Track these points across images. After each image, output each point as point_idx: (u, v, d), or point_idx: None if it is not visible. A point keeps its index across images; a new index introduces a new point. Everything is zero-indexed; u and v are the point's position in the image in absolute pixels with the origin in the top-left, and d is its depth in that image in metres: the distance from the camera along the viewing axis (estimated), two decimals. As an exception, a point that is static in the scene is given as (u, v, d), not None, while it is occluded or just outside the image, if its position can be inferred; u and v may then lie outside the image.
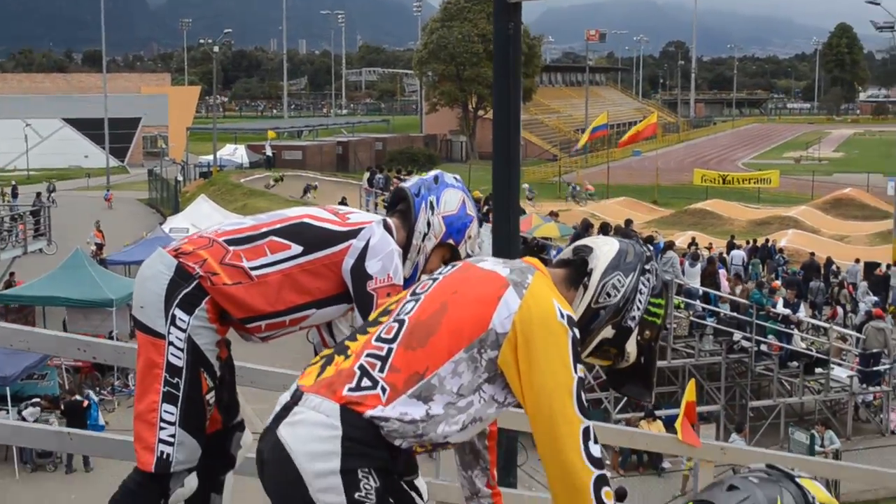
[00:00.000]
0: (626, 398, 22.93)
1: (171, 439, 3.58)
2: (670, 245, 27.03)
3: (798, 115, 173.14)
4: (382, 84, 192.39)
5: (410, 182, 4.08)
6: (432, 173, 4.11)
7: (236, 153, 75.50)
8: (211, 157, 69.75)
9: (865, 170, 70.59)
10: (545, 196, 62.34)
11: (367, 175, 40.52)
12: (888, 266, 37.61)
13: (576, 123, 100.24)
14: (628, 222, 29.69)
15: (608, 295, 3.05)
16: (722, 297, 26.03)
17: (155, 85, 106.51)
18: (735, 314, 25.12)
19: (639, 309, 3.08)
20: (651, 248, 20.66)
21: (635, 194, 63.99)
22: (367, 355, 2.94)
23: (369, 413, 2.85)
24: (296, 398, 2.92)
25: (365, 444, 2.85)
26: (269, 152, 70.26)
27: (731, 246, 40.69)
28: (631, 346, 3.11)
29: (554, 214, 33.55)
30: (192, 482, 3.70)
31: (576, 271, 3.11)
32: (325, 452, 2.82)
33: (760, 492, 1.77)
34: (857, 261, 38.60)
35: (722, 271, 28.94)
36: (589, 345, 3.08)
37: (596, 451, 2.84)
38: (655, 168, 69.38)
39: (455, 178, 4.11)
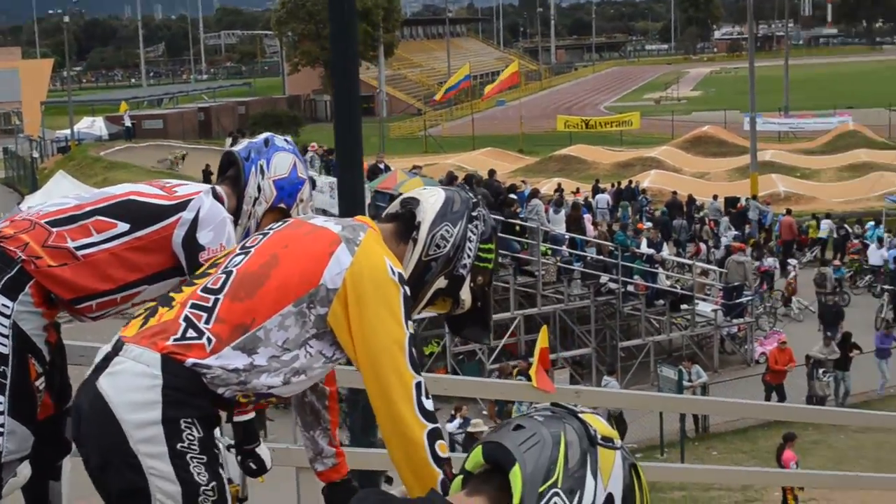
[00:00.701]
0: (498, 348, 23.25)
1: (1, 429, 3.50)
2: (535, 192, 27.30)
3: (656, 57, 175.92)
4: (242, 47, 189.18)
5: (240, 146, 4.03)
6: (262, 136, 4.06)
7: (94, 125, 73.52)
8: (68, 132, 67.87)
9: (723, 107, 72.19)
10: (412, 150, 62.28)
11: (229, 141, 39.96)
12: (747, 200, 38.66)
13: (438, 76, 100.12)
14: (492, 172, 29.88)
15: (438, 246, 3.07)
16: (588, 241, 26.44)
17: (4, 59, 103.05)
18: (601, 257, 25.54)
19: (469, 256, 3.10)
20: (515, 196, 20.78)
21: (501, 144, 64.31)
22: (193, 306, 2.91)
23: (191, 361, 2.82)
24: (116, 348, 2.87)
25: (187, 392, 2.81)
26: (128, 123, 68.69)
27: (595, 190, 41.31)
28: (465, 294, 3.13)
29: (417, 168, 33.58)
30: (25, 471, 3.63)
31: (404, 225, 3.12)
32: (146, 402, 2.77)
33: (545, 429, 1.83)
34: (716, 197, 39.54)
35: (587, 216, 29.37)
36: (423, 298, 3.10)
37: (429, 405, 2.86)
38: (519, 117, 69.85)
39: (286, 140, 4.07)
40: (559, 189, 38.78)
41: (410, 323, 2.91)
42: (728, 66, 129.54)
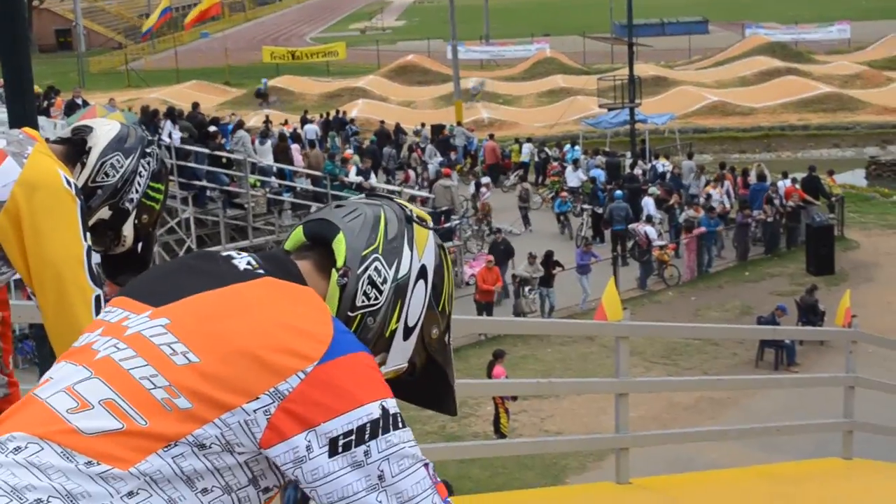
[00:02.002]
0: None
1: None
2: (240, 124, 26.88)
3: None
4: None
5: None
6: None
7: None
8: None
9: (427, 36, 73.13)
10: (115, 85, 59.91)
11: None
12: (452, 127, 39.40)
13: (138, 9, 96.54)
14: (195, 105, 29.11)
15: (106, 174, 3.01)
16: (297, 171, 26.27)
17: None
18: (311, 187, 25.45)
19: (137, 192, 3.06)
20: (218, 128, 20.26)
21: (206, 77, 62.89)
22: None
23: None
24: None
25: None
26: None
27: (304, 121, 41.06)
28: (128, 230, 3.09)
29: (113, 102, 32.33)
30: None
31: (74, 149, 3.03)
32: None
33: (366, 207, 1.97)
34: (423, 125, 40.13)
35: (295, 146, 29.15)
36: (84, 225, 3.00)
37: None
38: (224, 49, 68.45)
39: None
40: (267, 120, 38.38)
41: (88, 234, 2.84)
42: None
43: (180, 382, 1.69)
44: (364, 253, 1.90)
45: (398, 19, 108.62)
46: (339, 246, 1.90)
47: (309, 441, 1.68)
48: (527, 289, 23.83)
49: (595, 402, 17.28)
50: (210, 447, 1.68)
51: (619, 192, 28.56)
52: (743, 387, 14.91)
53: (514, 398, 16.93)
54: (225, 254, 1.92)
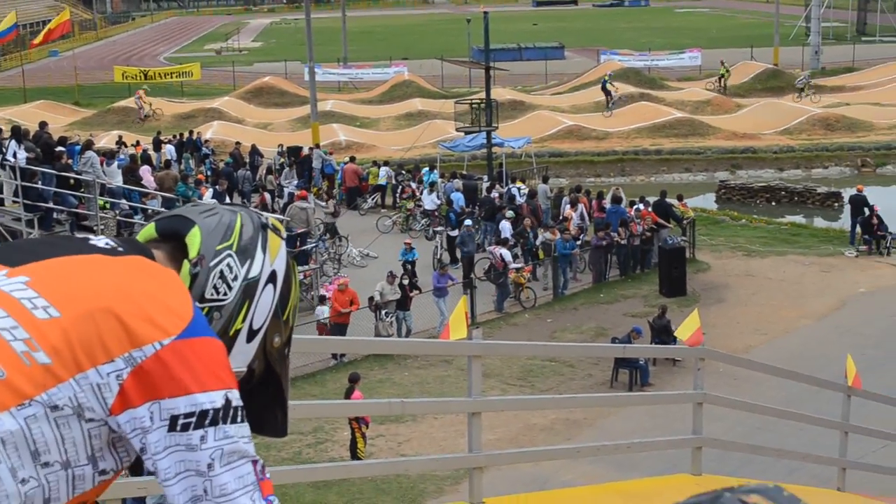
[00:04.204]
0: None
1: None
2: (89, 145, 26.12)
3: (217, 7, 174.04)
4: None
5: None
6: None
7: None
8: None
9: (283, 58, 72.64)
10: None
11: None
12: (310, 149, 39.04)
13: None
14: (42, 125, 28.16)
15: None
16: (147, 192, 25.69)
17: None
18: (164, 209, 24.89)
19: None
20: (65, 148, 19.57)
21: (55, 96, 61.29)
22: None
23: None
24: None
25: None
26: None
27: (156, 142, 40.33)
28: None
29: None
30: None
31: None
32: None
33: (224, 210, 2.00)
34: (280, 147, 39.74)
35: (146, 167, 28.54)
36: None
37: None
38: (74, 68, 66.86)
39: None
40: (120, 141, 37.53)
41: None
42: (288, 17, 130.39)
43: (40, 336, 1.67)
44: (218, 248, 1.92)
45: (255, 40, 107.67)
46: (194, 239, 1.91)
47: (151, 412, 1.69)
48: (384, 312, 23.68)
49: (452, 425, 17.20)
50: (62, 409, 1.65)
51: (468, 220, 28.77)
52: (596, 405, 15.07)
53: (367, 424, 16.76)
54: (81, 235, 1.90)
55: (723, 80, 61.11)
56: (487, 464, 8.17)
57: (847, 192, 34.69)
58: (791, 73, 65.64)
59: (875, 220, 30.13)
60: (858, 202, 31.21)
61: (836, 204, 38.06)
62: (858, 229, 30.83)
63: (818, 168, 44.98)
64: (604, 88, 53.16)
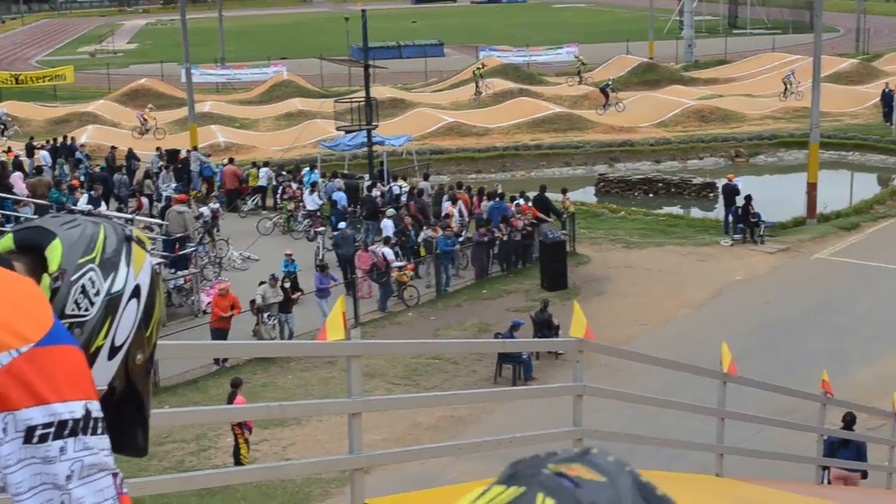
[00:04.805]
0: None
1: None
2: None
3: (89, 9, 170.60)
4: None
5: None
6: None
7: None
8: None
9: (159, 59, 71.46)
10: None
11: None
12: (188, 151, 38.54)
13: None
14: None
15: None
16: (19, 200, 25.06)
17: None
18: (35, 216, 24.27)
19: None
20: None
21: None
22: None
23: None
24: None
25: None
26: None
27: (29, 148, 39.39)
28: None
29: None
30: None
31: None
32: None
33: (87, 221, 1.90)
34: (158, 149, 39.11)
35: (17, 174, 27.81)
36: None
37: None
38: (-59, 73, 64.93)
39: None
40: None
41: None
42: (164, 17, 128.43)
43: None
44: (80, 261, 1.84)
45: (130, 42, 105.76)
46: (54, 252, 1.83)
47: (6, 423, 1.61)
48: (266, 315, 23.45)
49: (337, 427, 17.09)
50: None
51: (342, 223, 28.70)
52: (479, 401, 15.17)
53: (250, 429, 16.58)
54: None
55: (580, 74, 62.01)
56: (368, 464, 8.12)
57: (721, 182, 35.44)
58: (666, 66, 66.88)
59: (750, 209, 30.82)
60: (730, 191, 31.92)
61: (712, 194, 38.85)
62: (731, 218, 31.54)
63: (694, 159, 45.85)
64: (603, 91, 53.72)
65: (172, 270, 25.59)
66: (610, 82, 54.68)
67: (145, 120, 49.26)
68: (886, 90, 48.15)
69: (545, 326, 21.86)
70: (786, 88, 53.71)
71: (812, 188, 33.34)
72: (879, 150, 44.72)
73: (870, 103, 51.49)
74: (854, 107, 51.80)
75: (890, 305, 25.12)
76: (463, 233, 29.11)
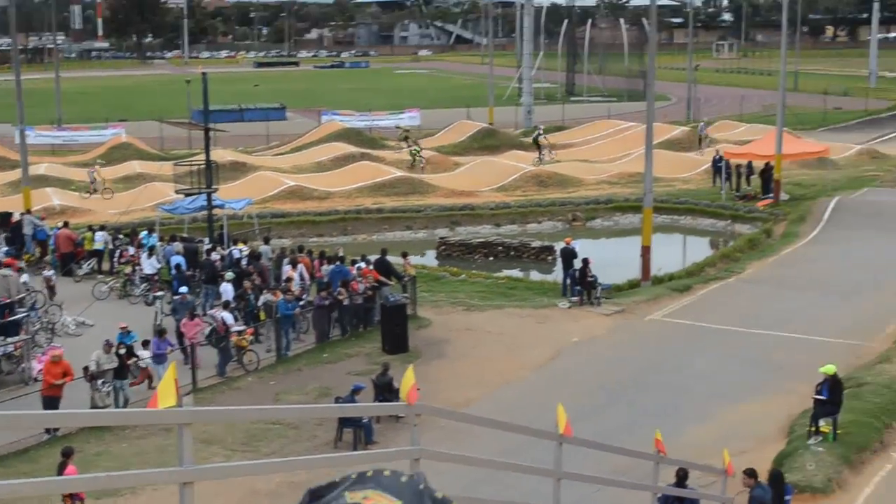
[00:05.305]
0: None
1: None
2: None
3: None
4: None
5: None
6: None
7: None
8: None
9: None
10: None
11: None
12: (21, 214, 37.39)
13: None
14: None
15: None
16: None
17: None
18: None
19: None
20: None
21: None
22: None
23: None
24: None
25: None
26: None
27: None
28: None
29: None
30: None
31: None
32: None
33: None
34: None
35: None
36: None
37: None
38: None
39: None
40: None
41: None
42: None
43: None
44: None
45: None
46: None
47: None
48: (100, 382, 22.81)
49: (174, 495, 16.66)
50: None
51: (184, 287, 28.21)
52: (316, 466, 14.93)
53: (82, 499, 16.07)
54: None
55: (407, 140, 62.65)
56: (199, 534, 7.93)
57: (559, 246, 36.13)
58: (505, 132, 68.25)
59: (588, 272, 31.45)
60: (568, 254, 32.56)
61: (550, 257, 39.56)
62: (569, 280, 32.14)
63: (533, 223, 46.66)
64: (535, 141, 54.36)
65: (2, 337, 24.70)
66: (540, 130, 55.73)
67: (95, 179, 47.95)
68: (717, 157, 49.99)
69: (386, 390, 21.82)
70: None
71: (646, 251, 34.24)
72: (710, 214, 46.34)
73: (700, 169, 53.40)
74: (686, 172, 53.63)
75: (722, 364, 25.89)
76: (304, 296, 28.95)
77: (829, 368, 20.56)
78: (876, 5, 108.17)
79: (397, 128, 67.79)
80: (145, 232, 35.81)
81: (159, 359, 23.88)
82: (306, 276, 30.38)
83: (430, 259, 40.94)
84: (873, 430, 20.95)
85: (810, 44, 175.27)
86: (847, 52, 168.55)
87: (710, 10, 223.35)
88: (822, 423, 20.25)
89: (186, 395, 7.57)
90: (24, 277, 28.85)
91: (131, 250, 33.77)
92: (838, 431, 20.26)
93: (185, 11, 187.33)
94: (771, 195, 46.32)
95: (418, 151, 57.17)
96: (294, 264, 30.44)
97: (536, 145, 54.63)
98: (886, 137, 67.27)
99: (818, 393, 20.34)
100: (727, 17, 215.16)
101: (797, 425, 21.23)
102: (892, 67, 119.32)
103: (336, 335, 28.27)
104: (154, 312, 28.77)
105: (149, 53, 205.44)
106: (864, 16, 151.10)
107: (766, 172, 47.15)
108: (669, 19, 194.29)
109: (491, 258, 40.88)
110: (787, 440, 20.88)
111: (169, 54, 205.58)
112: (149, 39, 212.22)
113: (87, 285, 31.91)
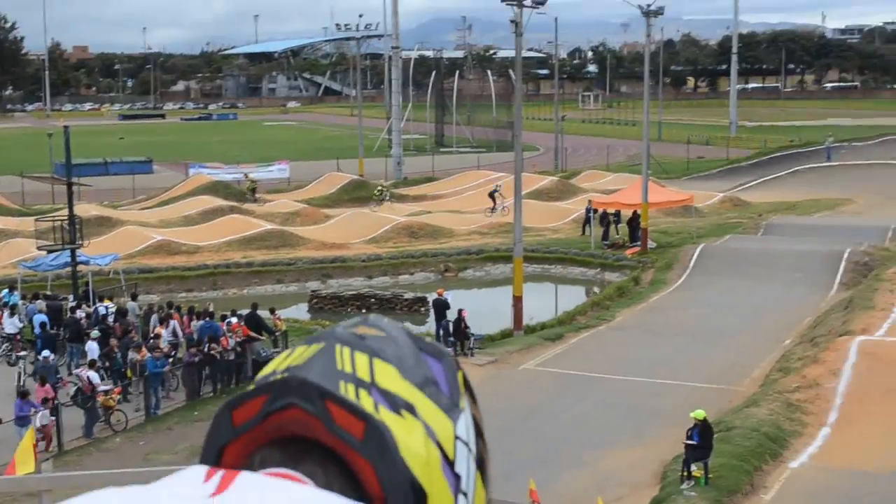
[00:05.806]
0: None
1: None
2: None
3: None
4: None
5: None
6: None
7: None
8: None
9: None
10: None
11: None
12: None
13: None
14: None
15: None
16: None
17: None
18: None
19: None
20: None
21: None
22: None
23: None
24: None
25: None
26: None
27: None
28: None
29: None
30: None
31: None
32: None
33: None
34: None
35: None
36: None
37: None
38: None
39: None
40: None
41: None
42: None
43: None
44: None
45: None
46: None
47: None
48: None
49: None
50: None
51: (46, 351, 27.24)
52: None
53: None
54: None
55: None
56: None
57: (431, 297, 36.15)
58: (375, 183, 68.35)
59: (464, 323, 31.52)
60: (440, 305, 32.61)
61: (423, 308, 39.57)
62: (442, 332, 32.14)
63: (405, 274, 46.66)
64: (491, 196, 55.10)
65: None
66: (497, 187, 55.97)
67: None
68: (588, 206, 50.72)
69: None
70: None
71: (518, 301, 34.48)
72: (579, 262, 46.95)
73: (569, 218, 54.14)
74: (555, 222, 54.31)
75: (595, 412, 26.12)
76: (173, 353, 28.34)
77: (699, 413, 20.92)
78: (734, 57, 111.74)
79: (245, 176, 67.61)
80: (6, 290, 34.70)
81: (22, 421, 23.04)
82: (179, 332, 29.77)
83: (301, 312, 40.55)
84: (743, 473, 21.33)
85: (673, 94, 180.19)
86: (708, 103, 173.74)
87: (576, 61, 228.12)
88: (693, 467, 20.56)
89: (46, 461, 7.29)
90: None
91: (-9, 309, 32.68)
92: (710, 476, 20.59)
93: (47, 63, 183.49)
94: (638, 243, 47.17)
95: (384, 189, 57.95)
96: (164, 320, 29.82)
97: (492, 199, 55.19)
98: (747, 185, 69.22)
99: (689, 438, 20.67)
100: (592, 68, 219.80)
101: (670, 470, 21.50)
102: (750, 117, 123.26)
103: (207, 392, 27.71)
104: (17, 373, 27.83)
105: (9, 106, 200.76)
106: (724, 67, 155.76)
107: (634, 221, 48.06)
108: (536, 71, 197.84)
109: (364, 310, 40.66)
110: (660, 485, 21.11)
111: (30, 107, 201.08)
112: (9, 92, 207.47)
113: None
